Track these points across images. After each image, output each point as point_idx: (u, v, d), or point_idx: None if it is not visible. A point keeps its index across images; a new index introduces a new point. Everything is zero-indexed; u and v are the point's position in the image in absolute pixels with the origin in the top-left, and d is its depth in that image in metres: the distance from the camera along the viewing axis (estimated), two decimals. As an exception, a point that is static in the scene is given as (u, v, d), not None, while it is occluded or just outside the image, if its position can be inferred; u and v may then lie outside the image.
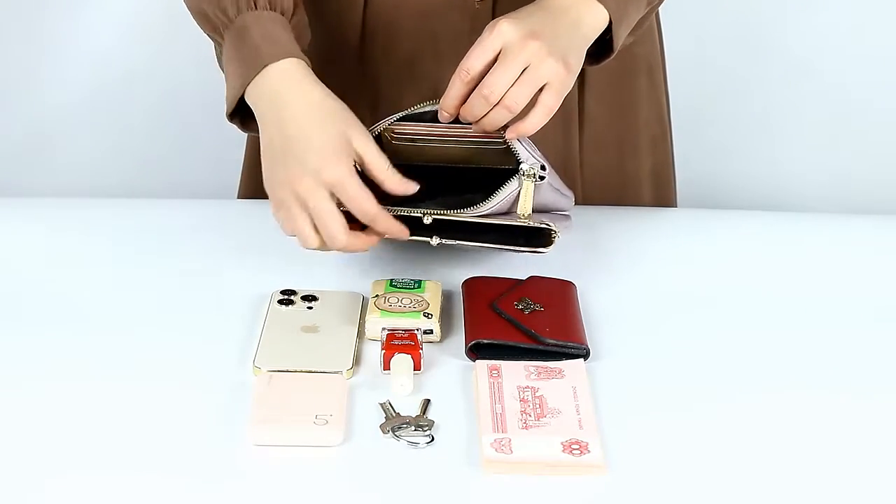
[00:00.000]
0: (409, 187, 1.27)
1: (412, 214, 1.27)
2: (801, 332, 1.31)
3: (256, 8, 1.32)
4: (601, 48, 1.35)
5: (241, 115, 1.34)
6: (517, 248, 1.29)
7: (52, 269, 1.39)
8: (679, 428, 1.16)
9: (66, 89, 2.12)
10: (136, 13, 2.07)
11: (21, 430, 1.14)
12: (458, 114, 1.28)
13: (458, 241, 1.28)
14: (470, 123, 1.28)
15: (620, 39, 1.34)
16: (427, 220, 1.27)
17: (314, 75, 1.30)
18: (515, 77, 1.25)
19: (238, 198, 1.67)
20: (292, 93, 1.28)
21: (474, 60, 1.26)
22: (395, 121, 1.31)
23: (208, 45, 1.39)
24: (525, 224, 1.27)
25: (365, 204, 1.25)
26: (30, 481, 1.08)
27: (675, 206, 1.65)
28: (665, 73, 1.62)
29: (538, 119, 1.26)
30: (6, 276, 1.38)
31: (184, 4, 1.37)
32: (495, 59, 1.26)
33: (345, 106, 1.28)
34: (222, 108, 1.32)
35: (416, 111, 1.31)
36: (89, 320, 1.30)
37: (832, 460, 1.12)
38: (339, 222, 1.24)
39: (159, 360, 1.24)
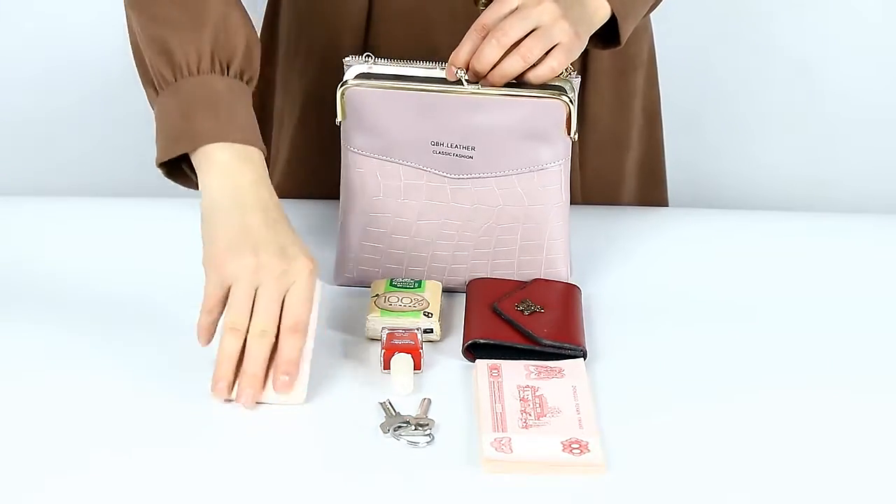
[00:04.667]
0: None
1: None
2: (800, 331, 1.32)
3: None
4: (609, 36, 1.37)
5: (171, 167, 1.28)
6: None
7: (50, 267, 1.39)
8: (679, 427, 1.16)
9: (66, 86, 2.12)
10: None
11: (18, 424, 1.14)
12: (469, 68, 1.27)
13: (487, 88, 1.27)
14: (477, 82, 1.27)
15: (627, 33, 1.37)
16: (461, 74, 1.26)
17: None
18: (528, 30, 1.26)
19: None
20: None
21: (490, 15, 1.27)
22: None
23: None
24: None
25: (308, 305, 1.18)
26: (18, 461, 1.08)
27: (666, 200, 1.66)
28: (656, 68, 1.62)
29: (543, 73, 1.27)
30: (6, 274, 1.38)
31: None
32: None
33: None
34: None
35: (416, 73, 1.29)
36: (88, 319, 1.30)
37: (832, 458, 1.12)
38: (275, 315, 1.17)
39: (159, 359, 1.24)
